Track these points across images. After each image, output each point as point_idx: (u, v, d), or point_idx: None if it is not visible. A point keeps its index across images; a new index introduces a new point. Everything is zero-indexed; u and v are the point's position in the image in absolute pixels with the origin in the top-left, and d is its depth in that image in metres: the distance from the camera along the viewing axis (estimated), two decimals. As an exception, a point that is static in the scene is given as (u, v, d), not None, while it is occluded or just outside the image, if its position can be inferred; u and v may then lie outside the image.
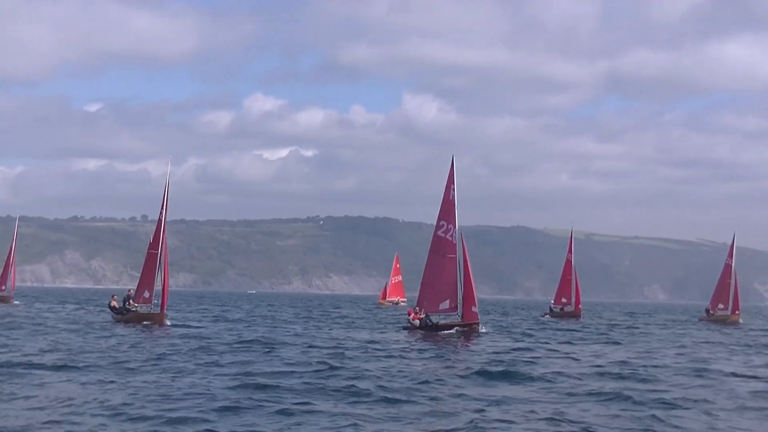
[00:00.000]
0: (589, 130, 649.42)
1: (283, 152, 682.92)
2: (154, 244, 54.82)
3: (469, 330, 48.17)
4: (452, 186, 50.51)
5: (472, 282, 49.01)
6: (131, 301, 54.97)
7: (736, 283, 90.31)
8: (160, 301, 52.76)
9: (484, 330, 49.69)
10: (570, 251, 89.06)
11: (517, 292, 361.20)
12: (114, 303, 56.42)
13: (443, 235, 50.42)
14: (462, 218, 49.97)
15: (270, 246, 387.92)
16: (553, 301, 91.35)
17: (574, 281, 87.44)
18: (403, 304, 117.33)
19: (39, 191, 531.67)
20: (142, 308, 54.43)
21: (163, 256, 53.66)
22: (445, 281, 50.00)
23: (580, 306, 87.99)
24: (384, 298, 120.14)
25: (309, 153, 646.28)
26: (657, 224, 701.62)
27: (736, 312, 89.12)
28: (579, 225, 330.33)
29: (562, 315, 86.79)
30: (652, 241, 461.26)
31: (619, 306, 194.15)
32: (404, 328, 51.54)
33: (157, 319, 52.33)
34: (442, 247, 50.47)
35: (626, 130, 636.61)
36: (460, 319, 49.11)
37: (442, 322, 49.46)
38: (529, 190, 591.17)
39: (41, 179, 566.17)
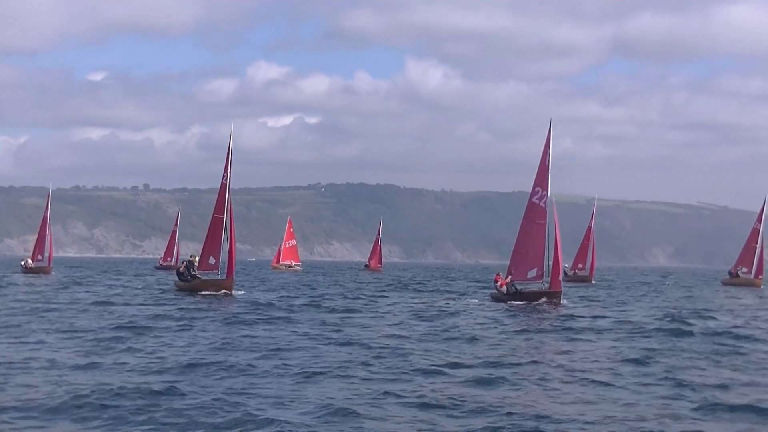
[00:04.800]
0: (593, 95, 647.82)
1: (287, 120, 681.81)
2: (219, 208, 53.47)
3: (554, 300, 46.85)
4: (548, 151, 49.46)
5: (560, 251, 47.66)
6: (195, 268, 53.18)
7: (761, 249, 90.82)
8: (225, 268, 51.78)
9: (565, 302, 47.82)
10: (592, 219, 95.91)
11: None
12: (183, 269, 54.10)
13: (537, 201, 49.46)
14: (464, 184, 49.90)
15: (271, 213, 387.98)
16: (568, 266, 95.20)
17: (591, 248, 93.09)
18: (297, 267, 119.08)
19: (42, 161, 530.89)
20: (209, 275, 53.20)
21: (228, 221, 52.63)
22: (532, 248, 49.12)
23: (593, 272, 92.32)
24: (277, 261, 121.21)
25: (313, 120, 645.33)
26: (659, 188, 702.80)
27: (759, 277, 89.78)
28: (581, 190, 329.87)
29: (574, 279, 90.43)
30: (654, 205, 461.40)
31: (623, 270, 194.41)
32: (492, 297, 50.37)
33: (224, 286, 51.10)
34: (533, 214, 49.69)
35: (631, 94, 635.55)
36: (546, 288, 48.07)
37: (526, 290, 48.64)
38: (533, 156, 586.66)
39: (44, 149, 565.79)
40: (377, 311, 40.94)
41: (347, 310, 40.52)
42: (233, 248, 51.70)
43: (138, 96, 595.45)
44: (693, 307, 48.56)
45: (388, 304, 46.10)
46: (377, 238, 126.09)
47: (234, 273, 52.08)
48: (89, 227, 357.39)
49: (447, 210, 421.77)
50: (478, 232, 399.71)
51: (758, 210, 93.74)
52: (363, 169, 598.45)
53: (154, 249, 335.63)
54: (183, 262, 55.39)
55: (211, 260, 53.52)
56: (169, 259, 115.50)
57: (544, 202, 49.08)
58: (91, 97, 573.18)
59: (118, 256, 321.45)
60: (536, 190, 49.67)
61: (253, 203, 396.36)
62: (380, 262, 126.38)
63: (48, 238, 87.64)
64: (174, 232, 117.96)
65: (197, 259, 53.61)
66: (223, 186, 53.69)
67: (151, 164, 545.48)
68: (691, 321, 36.86)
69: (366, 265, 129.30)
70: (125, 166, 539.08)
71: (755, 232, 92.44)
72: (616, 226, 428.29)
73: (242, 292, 53.33)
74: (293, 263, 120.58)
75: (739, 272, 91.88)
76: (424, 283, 77.58)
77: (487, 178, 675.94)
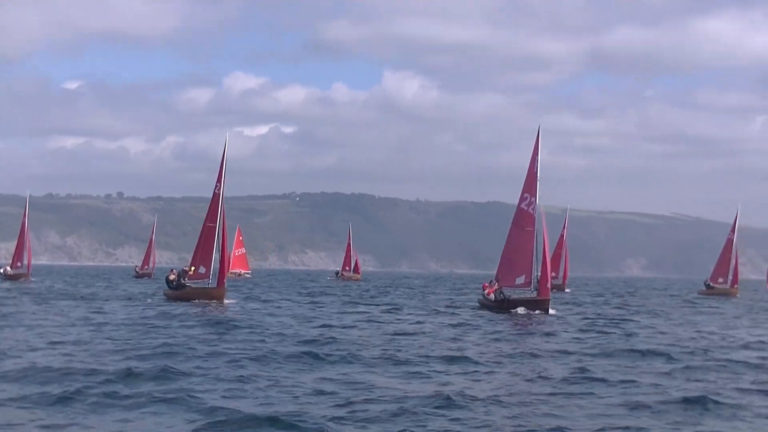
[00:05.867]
0: (571, 107, 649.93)
1: (263, 129, 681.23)
2: (212, 216, 52.98)
3: (541, 309, 46.09)
4: (537, 158, 49.11)
5: (548, 258, 47.28)
6: (187, 277, 52.45)
7: (736, 258, 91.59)
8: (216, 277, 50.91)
9: (553, 312, 46.73)
10: (564, 228, 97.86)
11: (493, 268, 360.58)
12: (172, 276, 53.20)
13: (526, 207, 49.06)
14: (440, 194, 49.50)
15: (246, 223, 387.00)
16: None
17: (564, 257, 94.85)
18: (247, 275, 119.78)
19: (15, 170, 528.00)
20: (198, 284, 52.13)
21: (221, 230, 51.93)
22: (521, 255, 48.72)
23: (566, 280, 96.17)
24: (228, 269, 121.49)
25: (289, 130, 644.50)
26: (634, 200, 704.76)
27: (735, 286, 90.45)
28: (557, 201, 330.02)
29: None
30: (628, 215, 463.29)
31: (596, 280, 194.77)
32: (480, 304, 49.95)
33: (216, 295, 50.25)
34: (521, 220, 49.22)
35: (608, 107, 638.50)
36: (534, 295, 47.38)
37: (514, 297, 47.95)
38: (509, 167, 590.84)
39: (18, 157, 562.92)
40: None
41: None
42: (225, 257, 51.11)
43: (113, 105, 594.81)
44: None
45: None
46: (348, 245, 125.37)
47: (225, 282, 51.11)
48: (62, 235, 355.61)
49: (422, 220, 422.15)
50: (454, 242, 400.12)
51: (731, 221, 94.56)
52: (339, 179, 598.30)
53: (127, 257, 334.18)
54: (173, 270, 54.78)
55: (202, 269, 52.59)
56: (146, 267, 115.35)
57: (533, 209, 48.71)
58: (67, 105, 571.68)
59: (91, 264, 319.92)
60: (524, 196, 49.38)
61: (228, 212, 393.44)
62: (358, 270, 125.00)
63: (27, 246, 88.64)
64: (151, 240, 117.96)
65: (192, 269, 53.02)
66: (216, 195, 53.55)
67: (125, 173, 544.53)
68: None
69: (337, 273, 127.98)
70: (99, 175, 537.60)
71: (729, 243, 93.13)
72: (591, 236, 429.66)
73: (234, 301, 52.19)
74: (242, 272, 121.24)
75: (717, 283, 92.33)
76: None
77: (463, 189, 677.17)
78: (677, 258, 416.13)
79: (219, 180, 53.44)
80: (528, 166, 49.71)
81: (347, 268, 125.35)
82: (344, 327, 35.65)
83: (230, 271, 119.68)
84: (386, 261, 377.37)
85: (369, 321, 39.72)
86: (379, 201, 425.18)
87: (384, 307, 51.01)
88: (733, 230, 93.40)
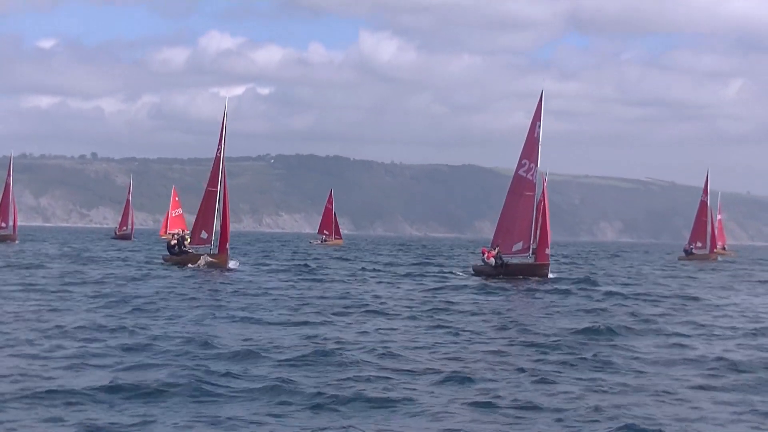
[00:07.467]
0: (548, 69, 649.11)
1: (239, 90, 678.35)
2: (213, 181, 51.87)
3: (539, 274, 45.18)
4: (538, 123, 47.75)
5: (548, 224, 46.21)
6: (186, 243, 51.69)
7: (712, 222, 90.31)
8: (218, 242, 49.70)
9: (552, 276, 45.87)
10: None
11: (467, 232, 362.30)
12: (173, 241, 52.78)
13: (524, 174, 47.96)
14: (415, 157, 48.49)
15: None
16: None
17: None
18: (187, 236, 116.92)
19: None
20: (199, 250, 51.09)
21: (222, 194, 50.77)
22: (519, 221, 47.66)
23: None
24: (165, 231, 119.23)
25: (265, 91, 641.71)
26: (610, 163, 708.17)
27: (714, 251, 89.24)
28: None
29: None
30: (603, 180, 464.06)
31: (573, 245, 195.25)
32: (475, 273, 48.18)
33: (219, 261, 48.97)
34: (520, 186, 48.15)
35: (585, 69, 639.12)
36: (532, 261, 46.61)
37: (512, 262, 46.84)
38: (485, 130, 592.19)
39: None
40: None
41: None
42: (227, 221, 49.75)
43: (88, 64, 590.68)
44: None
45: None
46: (328, 209, 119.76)
47: (227, 247, 49.54)
48: (36, 196, 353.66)
49: (397, 182, 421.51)
50: (428, 205, 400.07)
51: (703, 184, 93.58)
52: (314, 141, 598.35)
53: (102, 218, 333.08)
54: (174, 236, 54.23)
55: (203, 234, 51.58)
56: (125, 227, 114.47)
57: (532, 175, 47.73)
58: (41, 64, 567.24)
59: (65, 225, 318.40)
60: (523, 162, 48.20)
61: (202, 174, 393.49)
62: (339, 235, 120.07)
63: (12, 206, 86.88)
64: (128, 200, 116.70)
65: (185, 233, 52.58)
66: (217, 159, 52.47)
67: (100, 133, 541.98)
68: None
69: (323, 238, 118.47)
70: (74, 135, 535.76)
71: (703, 205, 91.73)
72: (566, 201, 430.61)
73: (237, 263, 50.74)
74: (182, 231, 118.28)
75: (696, 248, 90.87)
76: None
77: (439, 151, 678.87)
78: (652, 222, 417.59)
79: (219, 143, 52.41)
80: (528, 131, 48.40)
81: (326, 231, 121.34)
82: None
83: (168, 232, 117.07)
84: (361, 224, 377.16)
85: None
86: (354, 163, 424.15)
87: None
88: (705, 192, 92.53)
